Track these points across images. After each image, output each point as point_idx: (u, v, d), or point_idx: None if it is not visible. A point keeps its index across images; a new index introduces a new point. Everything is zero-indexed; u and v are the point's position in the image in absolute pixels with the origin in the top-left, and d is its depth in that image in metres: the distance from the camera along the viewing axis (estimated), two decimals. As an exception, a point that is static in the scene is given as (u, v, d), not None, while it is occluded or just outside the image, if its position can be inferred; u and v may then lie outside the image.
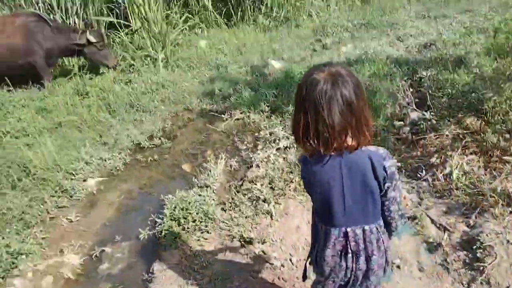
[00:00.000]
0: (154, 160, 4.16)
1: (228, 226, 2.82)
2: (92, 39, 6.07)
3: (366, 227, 1.50)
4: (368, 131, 1.37)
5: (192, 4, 8.34)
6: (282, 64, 6.34)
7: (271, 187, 3.12)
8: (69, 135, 4.75)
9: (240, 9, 8.31)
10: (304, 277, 1.83)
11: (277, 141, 3.85)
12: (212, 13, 8.32)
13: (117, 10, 7.40)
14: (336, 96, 1.29)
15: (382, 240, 1.54)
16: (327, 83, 1.30)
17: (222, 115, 4.76)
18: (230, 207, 3.05)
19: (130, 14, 6.96)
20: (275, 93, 4.88)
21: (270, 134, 4.04)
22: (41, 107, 5.36)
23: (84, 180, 3.90)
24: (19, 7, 6.62)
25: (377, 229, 1.52)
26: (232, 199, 3.15)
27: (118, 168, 4.05)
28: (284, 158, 3.59)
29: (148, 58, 6.48)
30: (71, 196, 3.65)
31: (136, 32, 6.91)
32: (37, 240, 3.08)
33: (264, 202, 2.95)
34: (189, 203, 3.00)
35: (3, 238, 2.99)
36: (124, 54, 6.57)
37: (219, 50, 6.95)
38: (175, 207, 2.96)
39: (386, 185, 1.45)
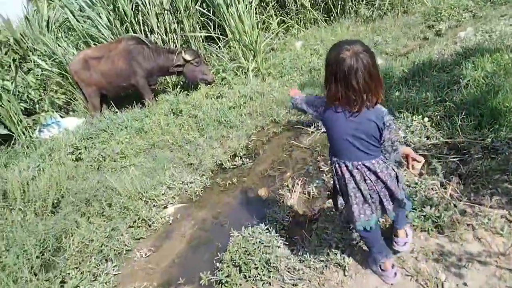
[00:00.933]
0: (232, 183, 3.88)
1: (292, 279, 2.34)
2: (188, 57, 6.15)
3: (373, 160, 1.91)
4: (381, 90, 1.78)
5: (289, 4, 7.93)
6: (383, 61, 5.53)
7: (350, 228, 2.53)
8: (160, 155, 4.78)
9: (340, 2, 7.60)
10: (336, 208, 2.21)
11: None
12: (310, 12, 7.80)
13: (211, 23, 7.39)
14: (360, 68, 1.69)
15: (392, 168, 1.95)
16: (352, 59, 1.69)
17: (309, 128, 4.26)
18: (299, 252, 2.55)
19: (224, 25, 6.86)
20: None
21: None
22: (139, 128, 5.56)
23: (165, 207, 3.82)
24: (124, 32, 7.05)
25: (383, 160, 1.93)
26: (303, 241, 2.65)
27: (197, 193, 3.88)
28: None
29: (240, 69, 6.29)
30: (149, 226, 3.59)
31: (228, 44, 6.79)
32: (109, 277, 3.04)
33: (337, 250, 2.38)
34: (253, 244, 2.61)
35: (76, 276, 3.01)
36: (219, 67, 6.50)
37: (314, 51, 6.41)
38: (237, 250, 2.60)
39: (384, 132, 1.82)
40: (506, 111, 2.87)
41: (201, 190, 3.90)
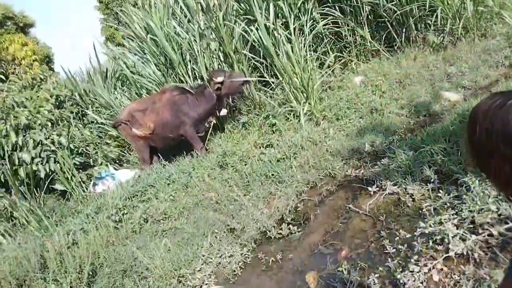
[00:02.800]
0: (276, 260, 3.24)
1: None
2: (220, 79, 5.84)
3: None
4: None
5: (347, 37, 7.31)
6: (461, 96, 4.66)
7: None
8: (202, 217, 4.32)
9: (404, 30, 6.81)
10: None
11: (446, 241, 2.42)
12: (370, 43, 7.09)
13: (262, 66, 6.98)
14: None
15: None
16: None
17: (369, 187, 3.52)
18: None
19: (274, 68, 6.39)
20: (446, 148, 3.36)
21: (436, 225, 2.61)
22: (185, 184, 5.20)
23: (199, 288, 3.29)
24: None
25: None
26: None
27: (235, 271, 3.29)
28: (458, 281, 2.15)
29: (292, 114, 5.73)
30: (179, 315, 3.06)
31: (280, 87, 6.27)
32: None
33: None
34: None
35: None
36: (268, 112, 6.01)
37: (376, 87, 5.68)
38: None
39: None
40: None
41: (240, 268, 3.31)
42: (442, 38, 6.18)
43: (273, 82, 6.52)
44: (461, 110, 3.83)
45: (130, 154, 7.29)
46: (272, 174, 4.48)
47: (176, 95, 5.95)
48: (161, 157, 6.28)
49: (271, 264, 3.22)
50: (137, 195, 5.28)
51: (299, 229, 3.49)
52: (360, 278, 2.53)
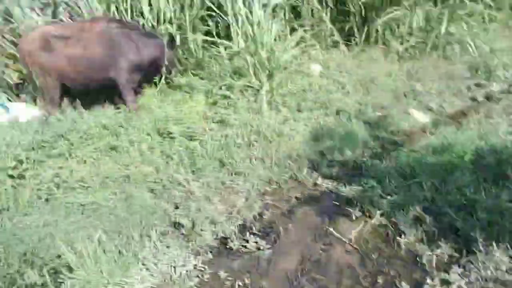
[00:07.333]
0: (244, 285, 2.69)
1: None
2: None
3: None
4: None
5: (305, 14, 6.78)
6: (429, 118, 4.58)
7: None
8: (136, 198, 3.50)
9: (366, 28, 6.56)
10: None
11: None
12: (329, 29, 6.69)
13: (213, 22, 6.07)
14: None
15: None
16: None
17: (350, 208, 3.15)
18: None
19: (233, 30, 5.54)
20: (436, 184, 3.15)
21: (443, 283, 2.35)
22: (110, 145, 4.21)
23: (139, 306, 2.58)
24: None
25: None
26: None
27: (190, 291, 2.66)
28: None
29: (249, 90, 5.05)
30: None
31: (238, 54, 5.46)
32: None
33: None
34: None
35: None
36: (221, 83, 5.20)
37: (339, 84, 5.32)
38: None
39: None
40: None
41: (196, 287, 2.69)
42: (405, 49, 6.07)
43: (223, 43, 5.64)
44: (440, 148, 3.63)
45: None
46: (230, 162, 3.84)
47: (114, 27, 4.73)
48: (78, 100, 5.06)
49: (238, 288, 2.67)
50: (44, 147, 4.11)
51: (268, 245, 2.97)
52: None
